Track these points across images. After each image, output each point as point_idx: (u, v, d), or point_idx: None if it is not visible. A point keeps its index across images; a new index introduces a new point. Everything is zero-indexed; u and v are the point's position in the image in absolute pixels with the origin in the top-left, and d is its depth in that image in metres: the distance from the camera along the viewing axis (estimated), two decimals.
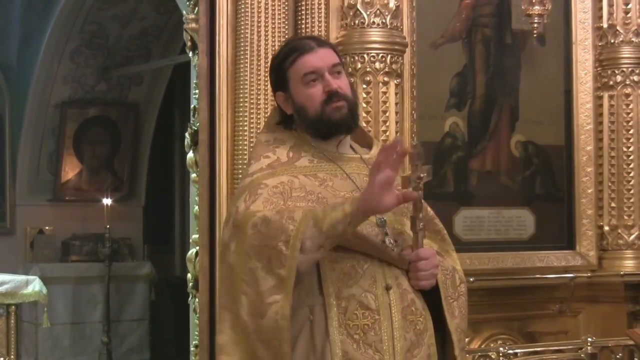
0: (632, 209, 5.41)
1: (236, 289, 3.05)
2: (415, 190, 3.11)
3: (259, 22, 4.49)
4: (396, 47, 4.68)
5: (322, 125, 3.18)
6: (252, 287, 3.01)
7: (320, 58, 3.17)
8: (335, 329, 3.06)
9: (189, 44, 4.85)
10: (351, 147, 3.31)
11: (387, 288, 3.11)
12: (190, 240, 4.86)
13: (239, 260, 3.05)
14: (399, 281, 3.14)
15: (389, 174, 2.94)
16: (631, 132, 5.42)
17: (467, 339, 4.80)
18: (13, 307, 7.43)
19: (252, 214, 3.03)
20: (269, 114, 3.63)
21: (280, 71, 3.22)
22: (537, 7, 5.11)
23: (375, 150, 3.33)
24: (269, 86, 4.44)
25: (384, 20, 4.63)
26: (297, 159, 3.20)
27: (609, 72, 5.44)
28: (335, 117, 3.16)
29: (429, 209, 3.33)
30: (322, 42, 3.27)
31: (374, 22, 4.62)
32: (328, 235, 2.99)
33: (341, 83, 3.19)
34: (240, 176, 4.16)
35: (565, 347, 5.03)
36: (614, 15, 5.43)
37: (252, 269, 3.01)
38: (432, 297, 3.22)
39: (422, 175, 3.11)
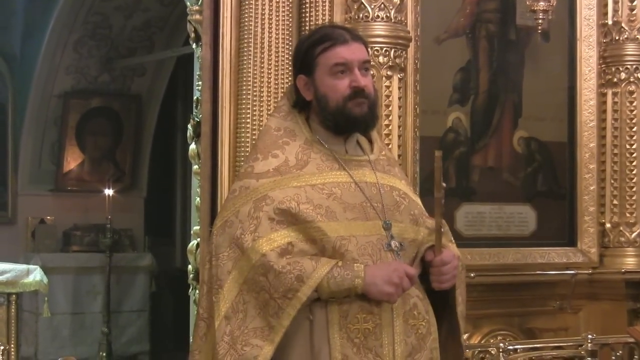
0: (634, 206, 5.40)
1: (219, 309, 3.06)
2: (441, 199, 3.13)
3: (262, 14, 4.48)
4: (400, 41, 4.67)
5: (341, 119, 3.17)
6: (237, 317, 3.02)
7: (353, 52, 3.17)
8: (335, 331, 3.06)
9: (192, 35, 4.84)
10: (357, 142, 3.29)
11: None
12: (192, 232, 4.86)
13: (232, 284, 3.05)
14: None
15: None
16: (634, 129, 5.41)
17: (467, 335, 4.84)
18: (14, 296, 7.42)
19: (261, 247, 3.02)
20: (282, 95, 3.60)
21: (308, 55, 3.20)
22: (541, 3, 5.10)
23: (376, 149, 3.33)
24: (272, 79, 4.44)
25: (388, 14, 4.62)
26: (305, 162, 3.17)
27: (613, 69, 5.43)
28: (356, 112, 3.16)
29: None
30: (355, 36, 3.24)
31: (378, 16, 4.61)
32: (324, 296, 3.04)
33: (367, 81, 3.19)
34: (244, 162, 4.15)
35: (565, 344, 5.03)
36: (619, 12, 5.42)
37: (246, 301, 3.02)
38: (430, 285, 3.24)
39: (444, 185, 3.13)
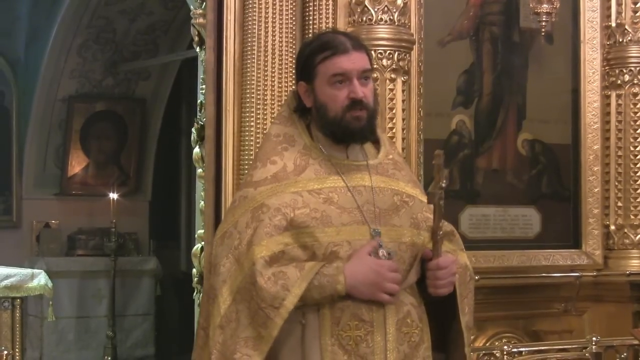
0: (638, 208, 5.39)
1: (213, 319, 3.07)
2: (439, 200, 3.12)
3: (266, 18, 4.48)
4: (403, 44, 4.67)
5: (338, 130, 3.17)
6: (230, 326, 3.02)
7: (353, 61, 3.14)
8: (327, 337, 3.05)
9: (196, 39, 4.85)
10: (361, 148, 3.28)
11: None
12: (196, 236, 4.86)
13: (226, 294, 3.06)
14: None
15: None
16: (638, 131, 5.41)
17: (471, 337, 4.83)
18: (18, 300, 7.44)
19: (253, 256, 3.02)
20: (284, 101, 3.60)
21: (308, 63, 3.19)
22: (545, 6, 5.10)
23: (382, 153, 3.32)
24: (275, 82, 4.44)
25: (391, 17, 4.62)
26: (303, 169, 3.17)
27: (617, 71, 5.43)
28: (353, 126, 3.15)
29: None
30: (357, 45, 3.21)
31: (381, 19, 4.61)
32: (310, 303, 3.04)
33: (367, 91, 3.16)
34: (247, 172, 4.16)
35: (569, 346, 5.02)
36: (623, 14, 5.42)
37: (239, 310, 3.02)
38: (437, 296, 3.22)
39: (443, 185, 3.12)
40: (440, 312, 3.28)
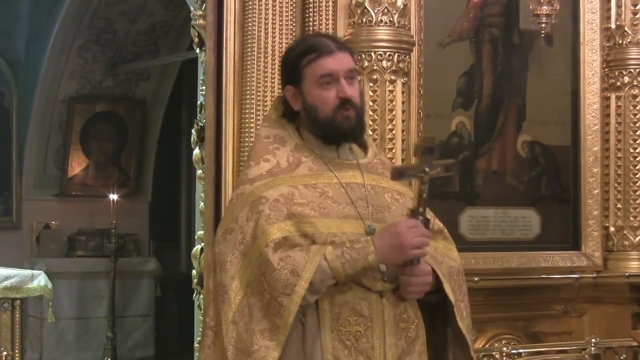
0: (638, 210, 5.39)
1: (225, 315, 3.07)
2: (423, 185, 3.12)
3: (266, 19, 4.48)
4: (403, 45, 4.67)
5: (330, 130, 3.21)
6: (243, 321, 3.03)
7: (338, 62, 3.19)
8: (327, 334, 3.07)
9: (196, 40, 4.85)
10: (350, 148, 3.32)
11: (381, 295, 3.13)
12: (196, 237, 4.86)
13: (237, 289, 3.07)
14: (392, 288, 3.15)
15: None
16: (638, 133, 5.41)
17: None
18: (18, 301, 7.45)
19: (259, 246, 3.04)
20: (270, 105, 3.62)
21: (294, 67, 3.23)
22: (545, 7, 5.10)
23: (370, 154, 3.36)
24: (275, 83, 4.44)
25: (391, 19, 4.62)
26: (296, 165, 3.21)
27: (617, 72, 5.43)
28: (345, 126, 3.19)
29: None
30: (340, 45, 3.26)
31: (381, 21, 4.61)
32: (342, 280, 3.05)
33: (353, 91, 3.21)
34: (241, 172, 4.16)
35: (569, 348, 5.02)
36: (622, 16, 5.42)
37: (251, 304, 3.03)
38: (432, 296, 3.24)
39: (426, 169, 3.12)
40: (429, 317, 3.31)
